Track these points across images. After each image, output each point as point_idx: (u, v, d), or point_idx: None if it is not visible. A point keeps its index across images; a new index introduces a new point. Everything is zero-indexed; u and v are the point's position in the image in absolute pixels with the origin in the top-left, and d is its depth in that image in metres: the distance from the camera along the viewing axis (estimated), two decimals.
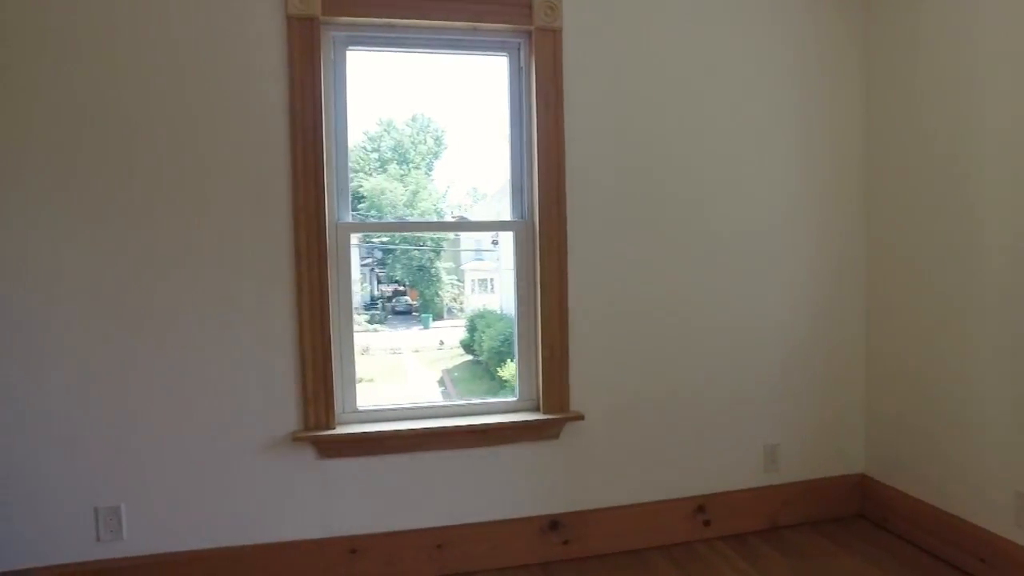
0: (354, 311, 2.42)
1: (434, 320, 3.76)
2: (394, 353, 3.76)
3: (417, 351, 3.76)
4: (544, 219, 2.42)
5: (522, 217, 2.50)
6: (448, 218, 3.22)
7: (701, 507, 2.59)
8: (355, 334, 2.42)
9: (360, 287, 3.39)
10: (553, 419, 2.43)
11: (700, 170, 2.56)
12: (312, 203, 2.26)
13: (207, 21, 2.16)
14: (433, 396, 3.24)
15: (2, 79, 2.03)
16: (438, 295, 3.70)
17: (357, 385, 2.40)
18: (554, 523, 2.47)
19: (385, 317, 3.74)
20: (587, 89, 2.45)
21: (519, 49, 2.47)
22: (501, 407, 2.50)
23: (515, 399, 2.52)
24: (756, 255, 2.63)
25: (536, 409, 2.48)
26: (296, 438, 2.24)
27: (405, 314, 3.75)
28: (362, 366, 3.04)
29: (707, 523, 2.60)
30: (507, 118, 2.50)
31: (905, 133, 2.53)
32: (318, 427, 2.29)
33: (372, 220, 2.83)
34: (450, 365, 3.73)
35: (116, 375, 2.15)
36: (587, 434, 2.49)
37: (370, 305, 3.70)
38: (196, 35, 2.16)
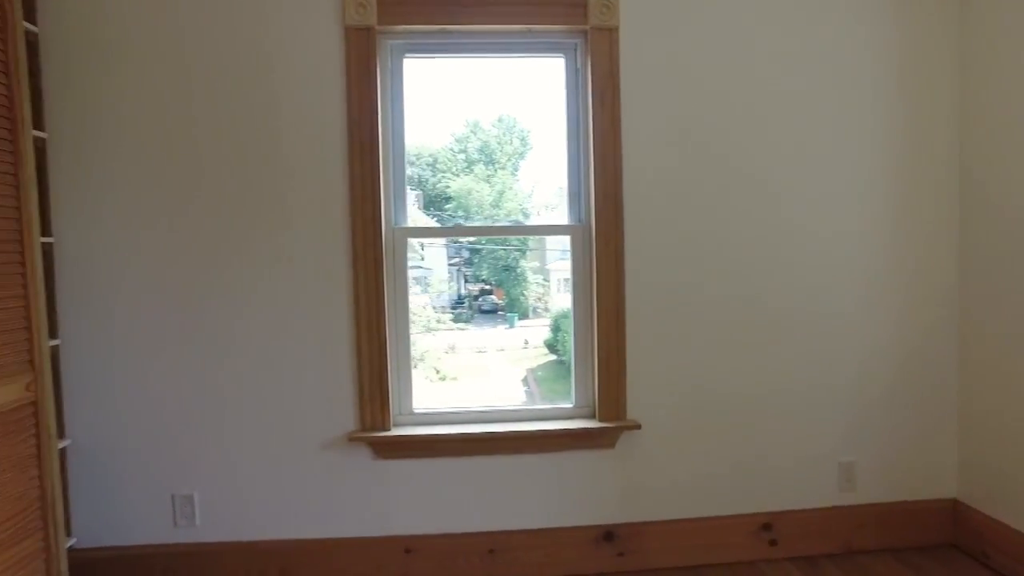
0: (441, 310, 2.46)
1: (519, 319, 3.78)
2: (479, 352, 3.82)
3: (502, 350, 3.79)
4: (600, 222, 2.36)
5: (579, 221, 2.45)
6: (534, 218, 3.25)
7: (767, 525, 2.45)
8: (441, 332, 2.46)
9: (447, 286, 3.44)
10: (608, 427, 2.37)
11: (769, 169, 2.41)
12: (368, 209, 2.31)
13: (268, 34, 2.25)
14: (515, 396, 3.27)
15: (90, 95, 2.21)
16: (523, 294, 3.71)
17: (444, 383, 2.44)
18: (609, 534, 2.41)
19: (471, 316, 3.80)
20: (646, 88, 2.36)
21: (575, 50, 2.41)
22: (557, 413, 2.47)
23: (571, 406, 2.48)
24: (830, 255, 2.45)
25: (592, 416, 2.43)
26: (352, 438, 2.31)
27: (491, 313, 3.79)
28: (447, 364, 3.10)
29: (773, 542, 2.45)
30: (564, 120, 2.46)
31: (1003, 132, 2.27)
32: (374, 428, 2.34)
33: (451, 224, 2.86)
34: (534, 365, 3.76)
35: (194, 373, 2.29)
36: (644, 443, 2.41)
37: (457, 304, 3.76)
38: (258, 49, 2.25)
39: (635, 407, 2.41)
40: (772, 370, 2.45)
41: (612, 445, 2.41)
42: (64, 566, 1.92)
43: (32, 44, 2.17)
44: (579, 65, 2.41)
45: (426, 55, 2.45)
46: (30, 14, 2.15)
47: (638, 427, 2.38)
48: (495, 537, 2.39)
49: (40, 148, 2.18)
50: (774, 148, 2.41)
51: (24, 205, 1.80)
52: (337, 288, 2.32)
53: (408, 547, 2.37)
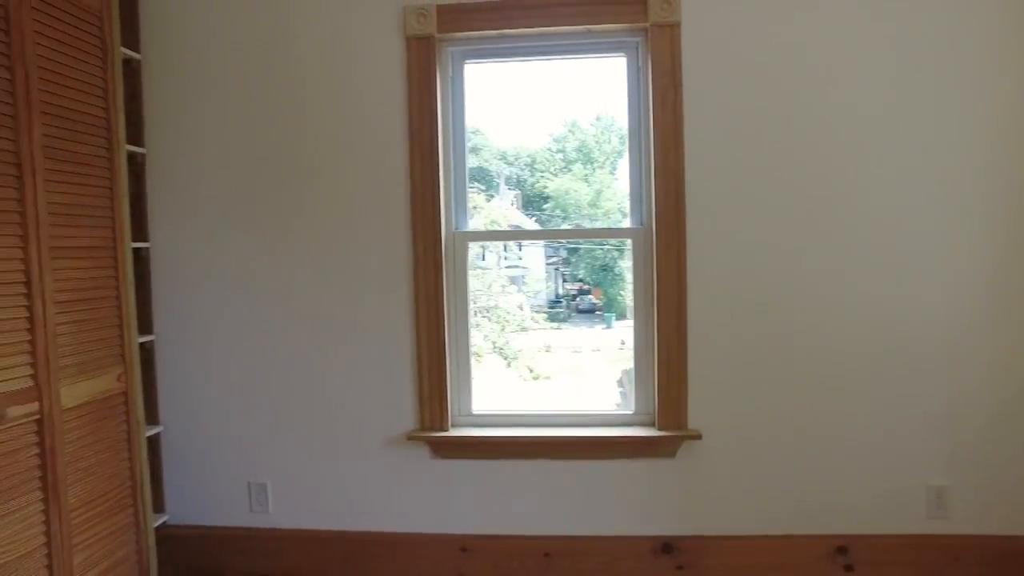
0: (537, 309, 2.49)
1: (617, 320, 3.77)
2: (575, 352, 3.84)
3: (598, 350, 3.80)
4: (662, 226, 2.29)
5: (641, 224, 2.39)
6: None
7: (842, 548, 2.28)
8: (537, 332, 2.48)
9: (544, 285, 3.49)
10: (667, 436, 2.30)
11: (844, 170, 2.23)
12: (429, 213, 2.37)
13: (337, 51, 2.37)
14: (610, 397, 3.26)
15: (182, 115, 2.42)
16: (621, 294, 3.70)
17: (537, 383, 2.46)
18: (667, 546, 2.34)
19: (568, 315, 3.83)
20: (711, 86, 2.26)
21: (637, 48, 2.36)
22: (616, 420, 2.42)
23: (631, 412, 2.43)
24: (916, 259, 2.23)
25: (652, 424, 2.37)
26: (411, 437, 2.38)
27: (589, 313, 3.81)
28: (542, 364, 3.14)
29: (849, 568, 2.28)
30: (626, 122, 2.41)
31: None
32: (432, 428, 2.40)
33: (553, 226, 2.87)
34: (629, 365, 3.76)
35: (269, 370, 2.45)
36: (707, 454, 2.32)
37: (554, 303, 3.81)
38: (328, 64, 2.37)
39: (697, 417, 2.31)
40: (850, 382, 2.27)
41: (672, 455, 2.33)
42: (151, 540, 2.12)
43: (135, 70, 2.41)
44: (640, 64, 2.35)
45: (487, 60, 2.48)
46: (134, 44, 2.39)
47: (698, 437, 2.29)
48: (551, 542, 2.38)
49: (140, 163, 2.43)
50: (854, 152, 2.23)
51: (117, 215, 2.00)
52: (399, 291, 2.40)
53: (464, 546, 2.41)
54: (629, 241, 2.42)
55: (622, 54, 2.39)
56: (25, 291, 1.68)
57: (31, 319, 1.69)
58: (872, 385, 2.26)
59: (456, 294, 2.46)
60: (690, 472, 2.33)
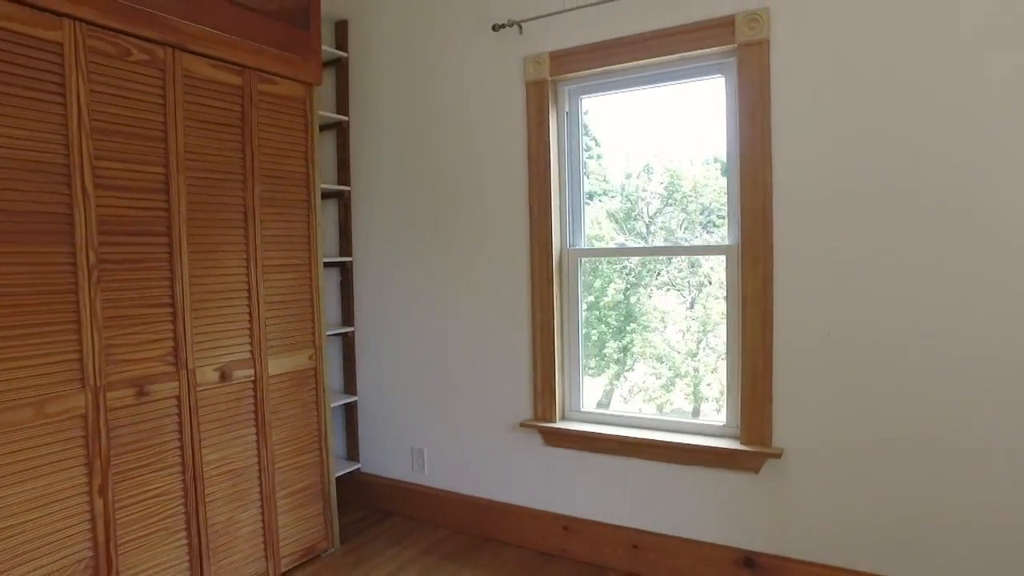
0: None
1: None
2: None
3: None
4: (748, 243, 2.31)
5: (736, 242, 2.42)
6: None
7: None
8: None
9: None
10: (748, 451, 2.31)
11: (940, 182, 2.00)
12: (543, 233, 2.73)
13: (473, 96, 2.87)
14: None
15: (372, 159, 3.18)
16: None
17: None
18: (749, 560, 2.34)
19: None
20: (800, 101, 2.21)
21: (733, 68, 2.39)
22: (706, 429, 2.50)
23: (723, 424, 2.47)
24: None
25: (738, 437, 2.39)
26: (523, 424, 2.78)
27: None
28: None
29: None
30: (724, 140, 2.45)
31: None
32: (543, 419, 2.77)
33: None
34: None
35: (430, 357, 3.08)
36: (792, 474, 2.27)
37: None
38: (467, 106, 2.89)
39: (782, 435, 2.28)
40: (964, 420, 2.01)
41: (756, 470, 2.33)
42: (332, 477, 2.88)
43: (345, 129, 3.24)
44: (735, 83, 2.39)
45: (599, 93, 2.75)
46: (344, 110, 3.22)
47: (778, 456, 2.26)
48: (639, 535, 2.56)
49: (347, 198, 3.26)
50: (964, 170, 1.98)
51: (312, 241, 2.78)
52: (520, 299, 2.81)
53: (567, 525, 2.72)
54: (724, 257, 2.47)
55: (720, 75, 2.45)
56: (247, 295, 2.51)
57: (250, 314, 2.52)
58: (986, 410, 1.98)
59: (568, 303, 2.78)
60: (774, 489, 2.31)
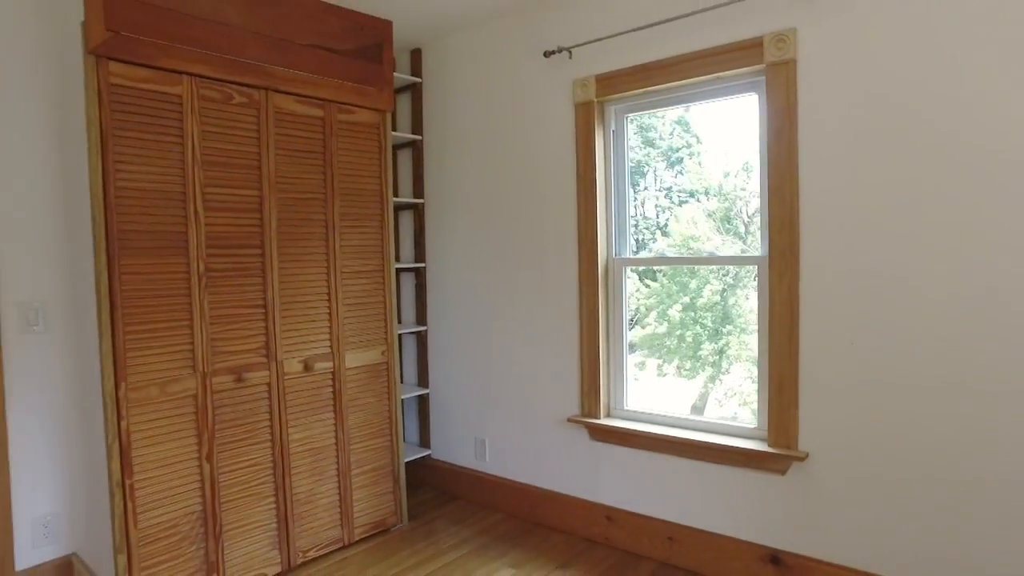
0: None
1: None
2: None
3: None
4: (775, 254, 2.42)
5: (766, 253, 2.52)
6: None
7: None
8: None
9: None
10: (774, 453, 2.42)
11: (960, 200, 2.02)
12: (590, 243, 2.94)
13: (529, 117, 3.13)
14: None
15: (442, 174, 3.52)
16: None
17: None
18: (775, 558, 2.45)
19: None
20: (826, 119, 2.30)
21: (764, 87, 2.49)
22: (738, 431, 2.61)
23: (753, 426, 2.58)
24: None
25: (766, 440, 2.49)
26: (571, 420, 3.00)
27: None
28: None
29: None
30: (756, 154, 2.56)
31: None
32: (589, 416, 2.98)
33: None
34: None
35: (490, 355, 3.38)
36: (818, 476, 2.35)
37: None
38: (524, 129, 3.16)
39: (807, 439, 2.37)
40: (985, 427, 2.03)
41: (783, 472, 2.43)
42: (401, 460, 3.23)
43: (419, 147, 3.60)
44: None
45: (643, 112, 2.92)
46: (419, 130, 3.59)
47: (803, 459, 2.35)
48: (674, 527, 2.72)
49: (420, 210, 3.62)
50: (985, 186, 2.01)
51: (385, 250, 3.15)
52: (569, 305, 3.04)
53: (609, 515, 2.92)
54: (755, 267, 2.57)
55: (754, 93, 2.56)
56: (327, 297, 2.91)
57: (330, 314, 2.92)
58: (1016, 432, 1.99)
59: (613, 309, 2.97)
60: (800, 490, 2.40)
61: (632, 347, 3.39)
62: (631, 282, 3.14)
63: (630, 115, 2.95)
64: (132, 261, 2.31)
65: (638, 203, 3.21)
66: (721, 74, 2.55)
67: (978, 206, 2.03)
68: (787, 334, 2.41)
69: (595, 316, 2.95)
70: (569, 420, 3.02)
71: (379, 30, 3.07)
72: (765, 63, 2.41)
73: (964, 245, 2.06)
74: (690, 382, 3.27)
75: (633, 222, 3.11)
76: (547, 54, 2.95)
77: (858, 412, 2.27)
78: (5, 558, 2.51)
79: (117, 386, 2.27)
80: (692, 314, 3.11)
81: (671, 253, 3.10)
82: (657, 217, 3.26)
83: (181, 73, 2.42)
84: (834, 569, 2.33)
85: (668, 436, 2.71)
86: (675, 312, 3.27)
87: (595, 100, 2.89)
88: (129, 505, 2.29)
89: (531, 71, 3.11)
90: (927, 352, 2.14)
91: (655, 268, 3.21)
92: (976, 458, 2.07)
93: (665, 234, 3.17)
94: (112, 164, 2.25)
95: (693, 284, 3.08)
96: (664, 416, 2.84)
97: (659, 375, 3.55)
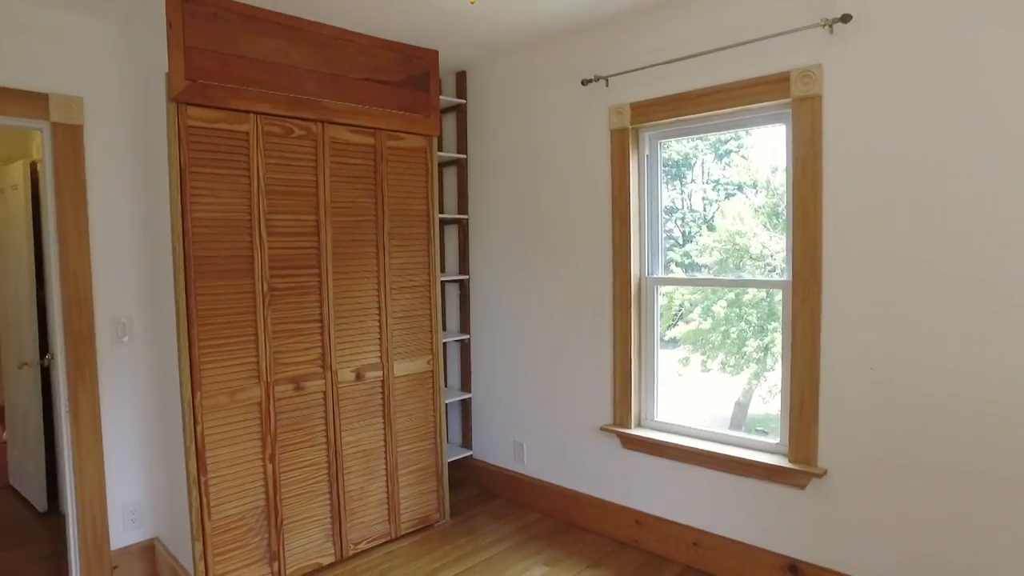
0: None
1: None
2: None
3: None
4: (799, 281, 2.53)
5: (791, 278, 2.63)
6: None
7: None
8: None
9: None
10: (794, 469, 2.54)
11: (981, 239, 2.09)
12: (623, 262, 3.10)
13: (568, 141, 3.29)
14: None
15: (483, 191, 3.71)
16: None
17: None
18: (794, 567, 2.57)
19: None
20: (851, 154, 2.39)
21: (790, 119, 2.59)
22: (761, 445, 2.74)
23: (776, 442, 2.70)
24: None
25: (787, 455, 2.61)
26: (604, 429, 3.17)
27: None
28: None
29: None
30: (784, 182, 2.66)
31: None
32: (621, 425, 3.14)
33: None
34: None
35: (529, 364, 3.57)
36: (836, 492, 2.47)
37: None
38: (563, 151, 3.32)
39: (827, 457, 2.49)
40: (996, 451, 2.11)
41: (803, 487, 2.55)
42: (445, 461, 3.47)
43: (464, 165, 3.81)
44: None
45: (674, 138, 3.04)
46: (464, 149, 3.79)
47: (821, 475, 2.47)
48: (698, 534, 2.87)
49: (464, 225, 3.83)
50: (997, 226, 2.08)
51: (431, 266, 3.37)
52: (604, 320, 3.20)
53: (638, 519, 3.09)
54: (780, 292, 2.68)
55: (782, 124, 2.65)
56: (377, 312, 3.16)
57: (380, 327, 3.16)
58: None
59: (645, 325, 3.12)
60: (818, 505, 2.52)
61: (675, 342, 3.54)
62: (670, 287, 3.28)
63: (662, 141, 3.08)
64: (205, 283, 2.59)
65: (685, 195, 3.31)
66: (749, 107, 2.66)
67: (1000, 239, 2.10)
68: (808, 357, 2.52)
69: (627, 332, 3.10)
70: (602, 429, 3.19)
71: (426, 60, 3.27)
72: (792, 97, 2.51)
73: (983, 277, 2.14)
74: (734, 378, 3.37)
75: (680, 215, 3.23)
76: (584, 82, 3.10)
77: (875, 432, 2.38)
78: (102, 539, 2.86)
79: (194, 395, 2.56)
80: (737, 310, 3.17)
81: (716, 251, 3.16)
82: (704, 210, 3.32)
83: (248, 112, 2.67)
84: None
85: (694, 448, 2.85)
86: (720, 308, 3.34)
87: (629, 127, 3.03)
88: (204, 499, 2.59)
89: (569, 97, 3.27)
90: (943, 378, 2.23)
91: (700, 263, 3.28)
92: (987, 477, 2.15)
93: (711, 228, 3.25)
94: (189, 197, 2.53)
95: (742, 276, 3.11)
96: (691, 428, 2.99)
97: (703, 370, 3.66)
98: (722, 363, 3.44)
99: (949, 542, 2.24)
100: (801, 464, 2.55)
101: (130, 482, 2.94)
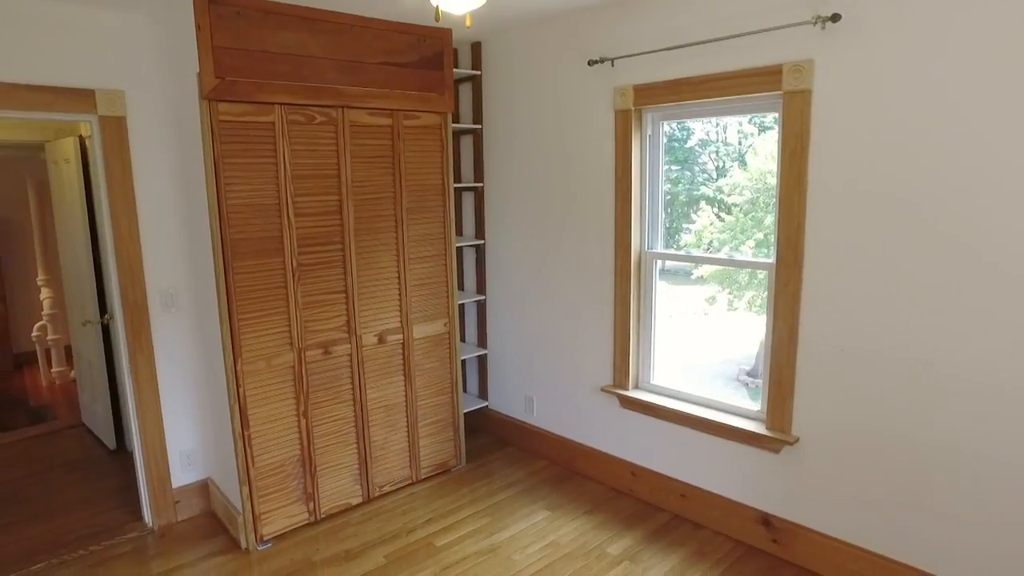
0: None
1: None
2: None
3: None
4: (781, 265, 2.71)
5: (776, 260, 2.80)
6: None
7: None
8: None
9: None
10: (770, 436, 2.79)
11: (969, 237, 2.22)
12: (625, 237, 3.29)
13: (575, 121, 3.43)
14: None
15: (499, 161, 3.89)
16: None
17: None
18: (767, 520, 2.88)
19: None
20: (837, 148, 2.50)
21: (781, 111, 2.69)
22: (743, 412, 3.00)
23: (757, 408, 2.95)
24: None
25: (765, 422, 2.87)
26: (604, 389, 3.46)
27: None
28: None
29: None
30: (776, 168, 2.79)
31: None
32: (619, 387, 3.42)
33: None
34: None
35: (546, 324, 3.84)
36: (806, 458, 2.73)
37: None
38: (570, 130, 3.47)
39: (800, 426, 2.74)
40: (963, 423, 2.33)
41: (777, 451, 2.81)
42: (460, 413, 3.82)
43: (479, 136, 3.97)
44: None
45: (676, 119, 3.16)
46: (479, 119, 3.94)
47: (793, 443, 2.72)
48: (686, 486, 3.19)
49: (480, 192, 4.03)
50: (976, 219, 2.21)
51: (447, 236, 3.61)
52: (606, 289, 3.43)
53: (633, 471, 3.42)
54: (767, 273, 2.86)
55: (776, 112, 2.75)
56: (397, 280, 3.44)
57: (400, 294, 3.45)
58: (988, 426, 2.28)
59: (644, 296, 3.34)
60: (790, 468, 2.79)
61: (702, 280, 3.74)
62: (705, 215, 3.45)
63: (665, 121, 3.20)
64: (242, 263, 2.89)
65: (719, 127, 3.38)
66: (745, 96, 2.76)
67: (973, 233, 2.25)
68: (787, 335, 2.73)
69: (627, 301, 3.33)
70: (603, 389, 3.48)
71: (440, 39, 3.40)
72: (783, 91, 2.61)
73: (950, 271, 2.30)
74: (760, 317, 3.53)
75: (713, 148, 3.33)
76: (591, 62, 3.21)
77: (844, 407, 2.61)
78: (165, 477, 3.31)
79: (235, 361, 2.91)
80: (765, 251, 3.33)
81: (747, 189, 3.29)
82: (739, 143, 3.40)
83: (272, 103, 2.89)
84: (815, 535, 2.74)
85: (684, 412, 3.13)
86: (749, 247, 3.44)
87: (632, 108, 3.15)
88: (248, 450, 2.99)
89: (576, 75, 3.38)
90: (908, 361, 2.42)
91: (732, 202, 3.40)
92: (933, 447, 2.38)
93: (743, 165, 3.32)
94: (223, 186, 2.80)
95: (768, 220, 3.20)
96: (682, 392, 3.25)
97: (730, 309, 3.87)
98: (748, 303, 3.61)
99: (904, 511, 2.50)
100: (776, 432, 2.81)
101: (184, 431, 3.37)
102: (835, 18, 2.39)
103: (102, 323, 4.01)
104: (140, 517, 3.35)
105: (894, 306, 2.43)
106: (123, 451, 4.20)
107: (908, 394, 2.43)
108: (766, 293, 2.87)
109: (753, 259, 3.09)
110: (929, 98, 2.26)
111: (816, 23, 2.44)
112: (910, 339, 2.40)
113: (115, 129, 2.99)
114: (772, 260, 2.83)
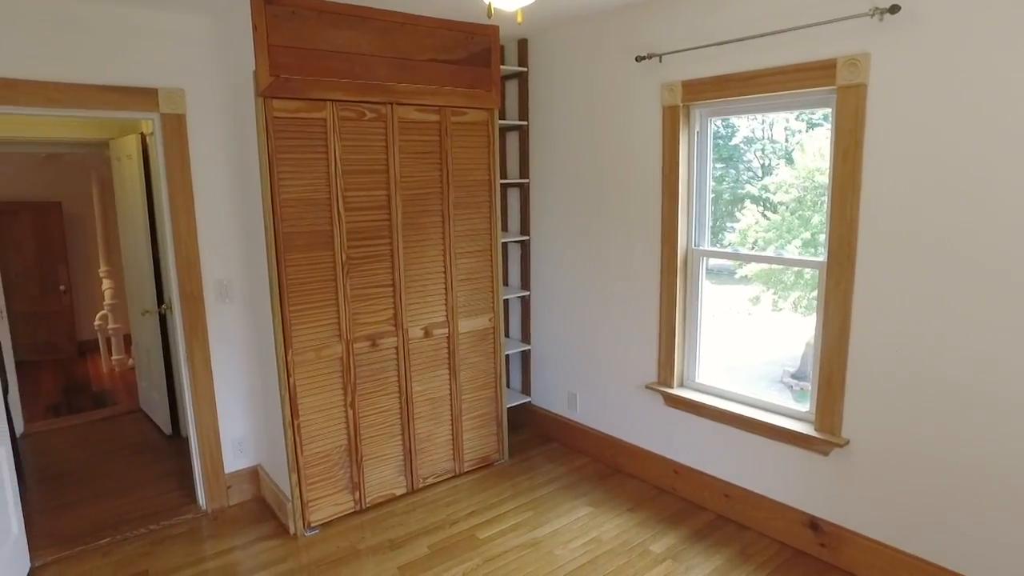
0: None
1: None
2: None
3: None
4: (833, 264, 2.64)
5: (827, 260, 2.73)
6: None
7: None
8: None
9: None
10: (819, 438, 2.74)
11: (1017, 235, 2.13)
12: (672, 234, 3.26)
13: (624, 117, 3.41)
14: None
15: (544, 157, 3.90)
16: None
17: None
18: (814, 524, 2.82)
19: None
20: (893, 144, 2.43)
21: (835, 105, 2.62)
22: (791, 412, 2.94)
23: (806, 409, 2.89)
24: None
25: (814, 423, 2.81)
26: (648, 386, 3.44)
27: None
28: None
29: None
30: (828, 165, 2.72)
31: None
32: (664, 384, 3.40)
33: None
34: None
35: (583, 321, 3.84)
36: (856, 461, 2.66)
37: None
38: (620, 126, 3.45)
39: (850, 428, 2.67)
40: (1009, 434, 2.24)
41: (826, 453, 2.75)
42: (504, 407, 3.85)
43: (525, 132, 3.99)
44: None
45: (724, 116, 3.11)
46: (525, 116, 3.96)
47: (843, 445, 2.65)
48: (730, 486, 3.14)
49: (526, 188, 4.05)
50: None
51: (493, 232, 3.63)
52: (652, 286, 3.41)
53: (676, 470, 3.39)
54: (817, 272, 2.80)
55: (828, 108, 2.69)
56: (443, 275, 3.48)
57: (446, 288, 3.50)
58: None
59: (690, 293, 3.30)
60: (839, 471, 2.73)
61: (746, 279, 3.70)
62: (749, 213, 3.40)
63: (713, 118, 3.16)
64: (293, 256, 2.97)
65: (765, 124, 3.32)
66: (796, 91, 2.70)
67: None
68: (838, 335, 2.67)
69: (673, 298, 3.30)
70: (647, 386, 3.46)
71: (488, 36, 3.43)
72: (836, 85, 2.54)
73: (1008, 282, 2.21)
74: (805, 318, 3.49)
75: (759, 146, 3.29)
76: (639, 59, 3.19)
77: (896, 409, 2.54)
78: (218, 463, 3.44)
79: (286, 352, 3.00)
80: (812, 250, 3.28)
81: (794, 187, 3.19)
82: (786, 141, 3.32)
83: (325, 100, 2.96)
84: (865, 540, 2.68)
85: (730, 411, 3.09)
86: (795, 247, 3.37)
87: (680, 104, 3.12)
88: (297, 439, 3.08)
89: (623, 71, 3.36)
90: (966, 367, 2.34)
91: (778, 201, 3.33)
92: (994, 473, 2.30)
93: (790, 162, 3.27)
94: (277, 181, 2.88)
95: (816, 219, 3.15)
96: (727, 392, 3.21)
97: (774, 310, 3.80)
98: (794, 303, 3.55)
99: (956, 518, 2.42)
100: (826, 433, 2.75)
101: (236, 419, 3.48)
102: (894, 9, 2.32)
103: (160, 313, 4.18)
104: (194, 500, 3.48)
105: (951, 309, 2.35)
106: (178, 436, 4.37)
107: (965, 399, 2.35)
108: (813, 293, 2.81)
109: (803, 257, 3.03)
110: (994, 94, 2.18)
111: (873, 15, 2.37)
112: (967, 343, 2.32)
113: (175, 126, 3.11)
114: (823, 259, 2.77)
